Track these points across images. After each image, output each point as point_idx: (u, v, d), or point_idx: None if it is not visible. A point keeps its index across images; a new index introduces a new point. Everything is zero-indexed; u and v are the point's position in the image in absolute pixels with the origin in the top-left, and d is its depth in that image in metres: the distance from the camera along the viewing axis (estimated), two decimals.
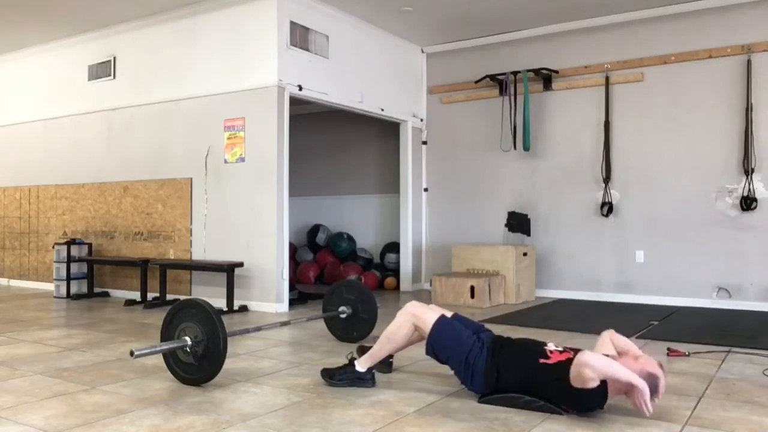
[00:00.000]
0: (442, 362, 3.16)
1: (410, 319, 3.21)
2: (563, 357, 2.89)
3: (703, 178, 6.51)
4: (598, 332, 4.99)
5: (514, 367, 2.95)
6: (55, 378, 3.51)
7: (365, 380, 3.27)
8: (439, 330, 3.11)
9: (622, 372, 2.70)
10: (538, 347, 3.00)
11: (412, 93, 8.09)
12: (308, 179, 9.37)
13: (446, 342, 3.09)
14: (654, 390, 2.70)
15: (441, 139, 8.11)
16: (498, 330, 3.43)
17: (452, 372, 3.16)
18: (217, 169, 6.52)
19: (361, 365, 3.29)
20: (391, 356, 3.50)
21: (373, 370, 3.32)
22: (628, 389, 2.73)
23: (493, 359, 2.99)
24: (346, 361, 3.37)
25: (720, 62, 6.45)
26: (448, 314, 3.22)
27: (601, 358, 2.76)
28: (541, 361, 2.89)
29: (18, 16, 6.99)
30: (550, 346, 2.98)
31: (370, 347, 3.48)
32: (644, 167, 6.81)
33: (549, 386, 2.85)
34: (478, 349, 3.03)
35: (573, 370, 2.76)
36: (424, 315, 3.18)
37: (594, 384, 2.70)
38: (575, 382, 2.74)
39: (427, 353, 3.16)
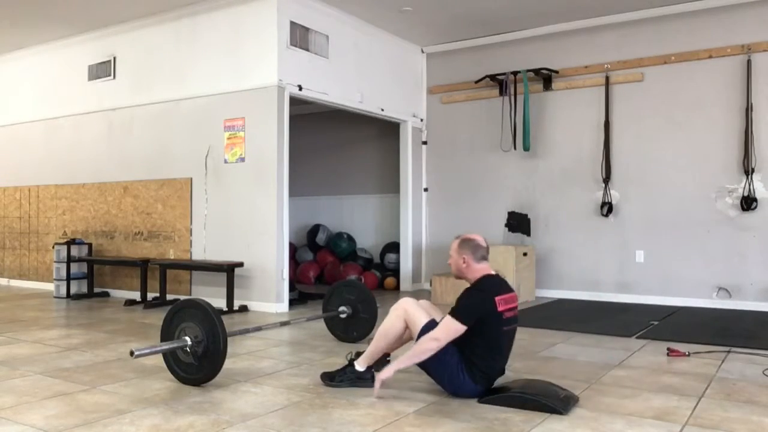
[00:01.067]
0: (423, 370, 3.16)
1: (402, 315, 3.22)
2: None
3: (703, 178, 6.51)
4: (598, 332, 5.01)
5: (482, 351, 3.04)
6: (55, 378, 3.51)
7: (365, 379, 3.27)
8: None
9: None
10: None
11: (412, 93, 8.09)
12: (308, 179, 9.36)
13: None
14: (476, 246, 3.16)
15: (441, 139, 8.11)
16: None
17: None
18: (217, 169, 6.52)
19: (360, 364, 3.30)
20: (388, 356, 3.50)
21: (373, 370, 3.32)
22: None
23: (466, 360, 3.03)
24: (346, 362, 3.37)
25: (720, 62, 6.45)
26: (439, 317, 3.22)
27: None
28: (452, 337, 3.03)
29: (18, 16, 6.99)
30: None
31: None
32: (644, 167, 6.81)
33: (473, 337, 3.02)
34: (456, 357, 3.04)
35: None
36: (414, 315, 3.18)
37: (439, 330, 3.00)
38: (449, 333, 2.99)
39: None
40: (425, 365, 3.10)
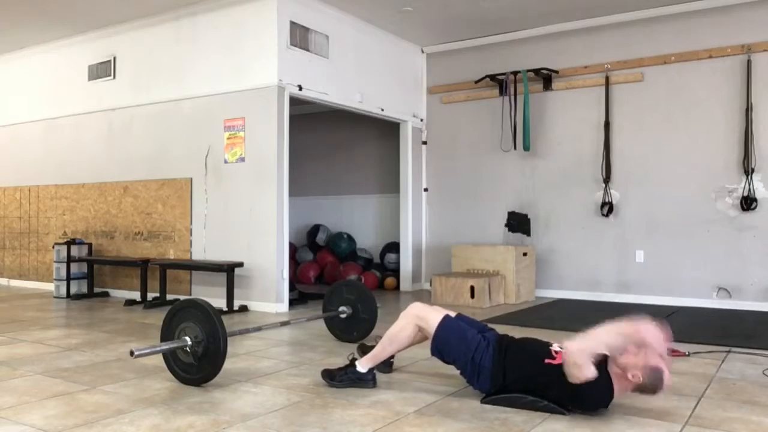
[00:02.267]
0: (447, 362, 3.15)
1: (413, 320, 3.20)
2: None
3: (703, 178, 6.51)
4: None
5: (519, 366, 2.95)
6: (55, 378, 3.51)
7: (366, 381, 3.27)
8: (445, 330, 3.09)
9: (608, 338, 2.70)
10: (544, 347, 2.99)
11: (412, 93, 8.09)
12: (308, 179, 9.37)
13: (452, 342, 3.08)
14: (655, 385, 2.68)
15: (441, 139, 8.11)
16: (499, 330, 3.42)
17: (458, 372, 3.15)
18: (217, 169, 6.52)
19: (362, 366, 3.28)
20: (391, 356, 3.50)
21: (374, 371, 3.32)
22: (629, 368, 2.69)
23: (499, 358, 2.99)
24: (347, 362, 3.37)
25: (720, 62, 6.45)
26: (452, 314, 3.22)
27: (582, 340, 2.76)
28: (546, 361, 2.88)
29: (18, 16, 6.99)
30: (555, 347, 2.96)
31: (371, 346, 3.48)
32: (644, 167, 6.81)
33: (553, 386, 2.84)
34: (483, 347, 3.02)
35: (566, 366, 2.75)
36: (428, 316, 3.17)
37: (589, 370, 2.67)
38: (572, 377, 2.73)
39: (433, 354, 3.15)
40: (453, 344, 3.03)
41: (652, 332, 2.72)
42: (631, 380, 2.71)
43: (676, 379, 3.49)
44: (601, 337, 2.74)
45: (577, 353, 2.70)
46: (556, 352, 2.91)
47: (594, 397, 2.79)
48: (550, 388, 2.86)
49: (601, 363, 2.76)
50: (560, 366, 2.82)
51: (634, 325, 2.74)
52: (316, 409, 2.93)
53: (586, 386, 2.72)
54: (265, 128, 6.17)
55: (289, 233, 6.38)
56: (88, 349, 4.32)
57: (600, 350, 2.72)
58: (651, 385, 2.69)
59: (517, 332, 3.31)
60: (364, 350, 3.60)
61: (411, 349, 3.40)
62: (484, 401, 3.00)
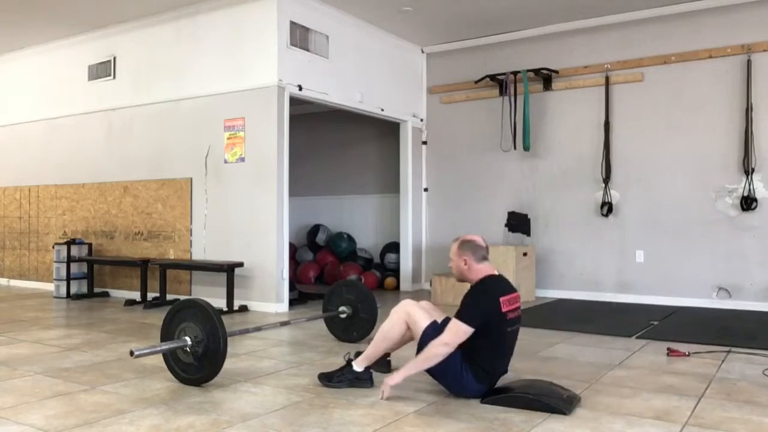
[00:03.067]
0: (428, 373, 3.15)
1: (404, 317, 3.22)
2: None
3: (703, 178, 6.51)
4: (598, 332, 5.01)
5: (486, 352, 3.03)
6: (55, 378, 3.51)
7: (363, 380, 3.27)
8: (428, 339, 3.09)
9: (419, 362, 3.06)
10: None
11: (412, 93, 8.09)
12: (308, 179, 9.36)
13: None
14: (476, 246, 3.13)
15: (441, 139, 8.11)
16: None
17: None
18: (217, 169, 6.52)
19: (358, 365, 3.29)
20: (388, 356, 3.50)
21: (371, 370, 3.32)
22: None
23: (470, 361, 3.03)
24: (344, 363, 3.37)
25: (720, 62, 6.45)
26: (440, 318, 3.21)
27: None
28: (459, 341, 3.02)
29: (18, 16, 6.99)
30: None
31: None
32: (644, 167, 6.81)
33: (478, 340, 3.02)
34: (459, 358, 3.04)
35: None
36: (416, 317, 3.18)
37: (447, 335, 3.00)
38: (457, 336, 2.99)
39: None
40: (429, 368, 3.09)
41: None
42: (467, 265, 3.13)
43: (676, 379, 3.50)
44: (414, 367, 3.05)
45: (440, 352, 2.99)
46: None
47: (475, 304, 3.05)
48: (480, 338, 3.01)
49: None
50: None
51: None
52: (316, 409, 2.93)
53: (466, 316, 3.00)
54: (265, 128, 6.17)
55: (289, 233, 6.38)
56: (88, 349, 4.32)
57: (421, 363, 3.03)
58: (474, 248, 3.14)
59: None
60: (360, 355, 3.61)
61: (409, 349, 3.40)
62: (484, 401, 3.00)
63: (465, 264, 3.14)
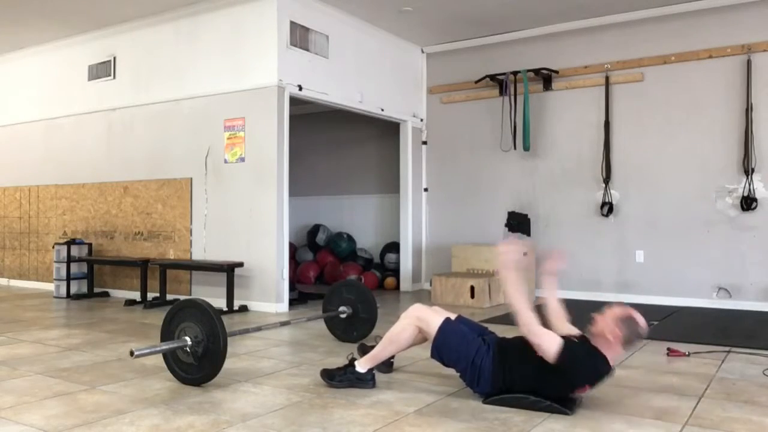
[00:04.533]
0: (447, 365, 3.15)
1: (414, 322, 3.20)
2: None
3: (703, 178, 6.51)
4: None
5: (519, 366, 2.95)
6: (55, 378, 3.51)
7: (365, 381, 3.27)
8: (445, 333, 3.10)
9: (521, 305, 2.91)
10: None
11: (412, 93, 8.09)
12: (308, 179, 9.36)
13: (452, 345, 3.08)
14: (635, 329, 2.87)
15: (441, 139, 8.11)
16: (499, 330, 3.43)
17: (458, 375, 3.15)
18: (217, 169, 6.52)
19: (361, 366, 3.28)
20: (391, 356, 3.50)
21: (374, 371, 3.32)
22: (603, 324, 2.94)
23: (499, 360, 2.99)
24: (347, 362, 3.37)
25: (720, 62, 6.45)
26: (452, 317, 3.21)
27: (521, 325, 2.92)
28: (539, 354, 2.89)
29: (18, 16, 6.99)
30: None
31: (371, 346, 3.48)
32: (644, 167, 6.81)
33: (548, 376, 2.85)
34: (484, 351, 3.02)
35: (535, 348, 2.87)
36: (429, 318, 3.17)
37: (548, 337, 2.85)
38: (546, 355, 2.82)
39: (433, 356, 3.15)
40: (455, 353, 3.04)
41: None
42: (613, 338, 2.85)
43: (676, 379, 3.50)
44: (520, 306, 2.92)
45: (527, 332, 2.87)
46: None
47: (585, 367, 2.84)
48: (547, 380, 2.86)
49: (581, 339, 2.96)
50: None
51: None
52: (316, 409, 2.93)
53: (569, 361, 2.79)
54: (265, 128, 6.17)
55: (289, 233, 6.38)
56: (88, 349, 4.32)
57: (526, 314, 2.90)
58: (631, 332, 2.86)
59: (517, 333, 3.30)
60: (364, 350, 3.60)
61: (411, 349, 3.40)
62: (486, 401, 3.00)
63: (613, 338, 2.87)
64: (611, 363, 2.88)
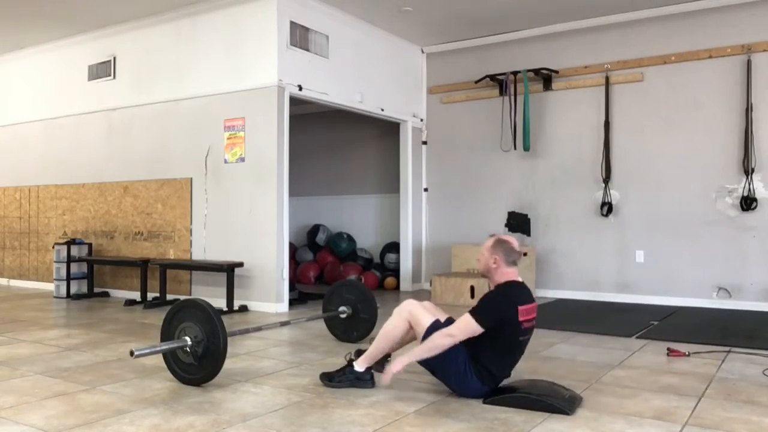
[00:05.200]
0: (428, 369, 3.17)
1: (406, 316, 3.22)
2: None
3: (703, 178, 6.51)
4: (598, 332, 5.01)
5: (484, 359, 3.03)
6: (55, 378, 3.51)
7: (364, 380, 3.27)
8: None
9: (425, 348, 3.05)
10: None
11: (412, 93, 8.09)
12: (308, 179, 9.36)
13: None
14: (509, 249, 3.11)
15: (441, 139, 8.11)
16: None
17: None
18: (217, 169, 6.52)
19: (359, 365, 3.29)
20: (389, 356, 3.50)
21: (373, 370, 3.32)
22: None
23: (475, 361, 3.03)
24: (345, 363, 3.37)
25: (720, 62, 6.45)
26: (443, 318, 3.22)
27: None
28: (473, 339, 3.02)
29: (18, 16, 6.99)
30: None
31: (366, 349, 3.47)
32: (644, 167, 6.81)
33: (494, 340, 3.03)
34: (467, 357, 3.04)
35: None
36: (419, 316, 3.18)
37: (455, 328, 3.01)
38: (470, 334, 2.99)
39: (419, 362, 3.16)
40: (432, 364, 3.09)
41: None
42: (496, 264, 3.11)
43: (676, 379, 3.50)
44: (418, 352, 3.05)
45: (447, 343, 2.98)
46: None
47: (494, 299, 3.08)
48: (496, 342, 3.03)
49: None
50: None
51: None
52: (316, 409, 2.93)
53: (484, 311, 3.00)
54: (265, 128, 6.17)
55: (289, 233, 6.38)
56: (88, 349, 4.32)
57: (425, 347, 3.04)
58: (506, 250, 3.11)
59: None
60: (360, 354, 3.60)
61: (412, 347, 3.39)
62: (486, 401, 3.00)
63: (494, 263, 3.12)
64: (510, 292, 3.07)
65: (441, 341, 2.97)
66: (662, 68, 6.73)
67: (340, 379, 3.28)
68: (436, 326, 3.10)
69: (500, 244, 3.14)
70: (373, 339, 3.39)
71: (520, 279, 3.16)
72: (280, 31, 6.14)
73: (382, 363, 3.43)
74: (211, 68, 6.57)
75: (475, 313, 2.99)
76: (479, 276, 6.65)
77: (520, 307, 3.01)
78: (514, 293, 3.07)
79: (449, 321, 3.20)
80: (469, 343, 3.00)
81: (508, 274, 3.12)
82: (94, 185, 7.56)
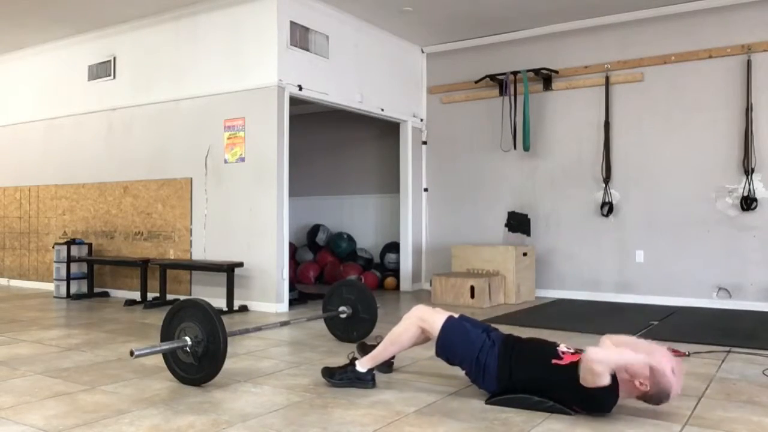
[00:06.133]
0: (452, 364, 3.15)
1: (416, 322, 3.20)
2: (575, 358, 2.84)
3: (703, 178, 6.51)
4: (598, 332, 5.00)
5: (526, 366, 2.94)
6: (55, 378, 3.51)
7: (365, 381, 3.26)
8: (449, 331, 3.09)
9: (630, 356, 2.66)
10: (551, 347, 2.99)
11: (412, 93, 8.09)
12: (308, 179, 9.37)
13: (456, 342, 3.08)
14: (660, 397, 2.69)
15: (441, 139, 8.11)
16: (500, 331, 3.42)
17: (462, 373, 3.15)
18: (217, 169, 6.52)
19: (362, 366, 3.28)
20: (392, 356, 3.50)
21: (374, 371, 3.32)
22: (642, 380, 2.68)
23: (504, 357, 2.98)
24: (347, 361, 3.37)
25: (720, 62, 6.45)
26: (456, 315, 3.21)
27: (607, 350, 2.76)
28: (554, 361, 2.87)
29: (18, 16, 6.99)
30: (562, 347, 2.96)
31: (372, 345, 3.48)
32: (644, 167, 6.81)
33: (561, 387, 2.82)
34: (488, 347, 3.01)
35: (582, 370, 2.72)
36: (432, 317, 3.16)
37: (605, 379, 2.64)
38: (586, 382, 2.70)
39: (438, 355, 3.15)
40: (457, 344, 3.04)
41: (667, 355, 2.73)
42: (639, 388, 2.70)
43: None
44: (626, 355, 2.69)
45: (597, 362, 2.64)
46: (563, 353, 2.91)
47: (601, 400, 2.77)
48: (555, 388, 2.85)
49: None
50: (567, 367, 2.81)
51: (653, 347, 2.77)
52: (316, 409, 2.93)
53: (595, 390, 2.69)
54: (265, 128, 6.17)
55: (289, 233, 6.38)
56: (88, 349, 4.32)
57: (621, 364, 2.67)
58: (656, 395, 2.70)
59: (517, 332, 3.31)
60: (364, 349, 3.60)
61: (412, 349, 3.40)
62: (488, 402, 2.99)
63: (640, 386, 2.71)
64: (619, 400, 2.79)
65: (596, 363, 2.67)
66: (662, 68, 6.73)
67: (341, 377, 3.28)
68: (451, 322, 3.09)
69: (661, 389, 2.69)
70: (380, 338, 3.38)
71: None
72: (280, 31, 6.14)
73: (384, 363, 3.44)
74: (211, 68, 6.57)
75: (611, 388, 2.69)
76: (479, 276, 6.65)
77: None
78: (604, 405, 2.81)
79: (463, 317, 3.20)
80: (528, 356, 2.96)
81: (628, 393, 2.77)
82: (94, 185, 7.56)
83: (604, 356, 2.68)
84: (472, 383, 3.12)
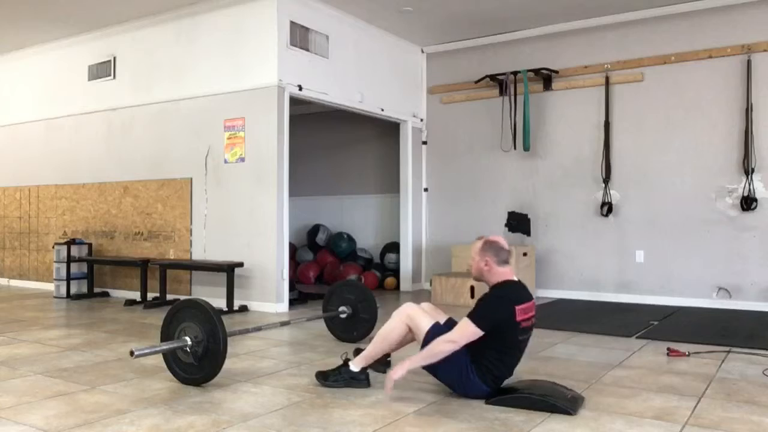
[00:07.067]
0: (430, 372, 3.16)
1: (405, 320, 3.21)
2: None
3: (703, 178, 6.51)
4: (598, 332, 5.01)
5: (487, 358, 3.01)
6: (55, 378, 3.51)
7: (360, 380, 3.27)
8: (431, 339, 3.08)
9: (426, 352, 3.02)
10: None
11: (412, 93, 8.09)
12: (308, 179, 9.37)
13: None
14: (499, 249, 3.12)
15: (441, 139, 8.11)
16: None
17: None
18: (217, 169, 6.52)
19: (355, 365, 3.29)
20: (388, 356, 3.50)
21: (368, 370, 3.32)
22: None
23: (477, 362, 3.02)
24: (341, 362, 3.37)
25: (720, 62, 6.45)
26: (443, 320, 3.21)
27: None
28: (474, 343, 3.01)
29: (18, 16, 6.99)
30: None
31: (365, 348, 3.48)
32: (644, 167, 6.81)
33: (496, 341, 3.01)
34: (466, 359, 3.03)
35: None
36: (418, 319, 3.17)
37: (457, 333, 2.98)
38: (469, 338, 2.96)
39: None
40: (434, 367, 3.07)
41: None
42: (488, 266, 3.10)
43: (676, 379, 3.50)
44: (420, 357, 3.03)
45: (448, 349, 2.96)
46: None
47: (493, 302, 3.05)
48: (499, 341, 3.02)
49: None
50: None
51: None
52: (316, 409, 2.93)
53: (482, 315, 2.98)
54: (265, 128, 6.17)
55: (289, 233, 6.38)
56: (88, 349, 4.32)
57: (426, 353, 3.01)
58: (496, 250, 3.11)
59: None
60: (359, 353, 3.60)
61: (408, 349, 3.40)
62: (488, 402, 3.00)
63: (486, 265, 3.11)
64: (506, 293, 3.06)
65: (442, 347, 2.95)
66: (662, 68, 6.73)
67: (336, 378, 3.28)
68: (435, 330, 3.09)
69: (489, 245, 3.15)
70: (372, 339, 3.39)
71: (515, 278, 3.15)
72: (280, 31, 6.14)
73: (381, 362, 3.44)
74: (211, 68, 6.57)
75: (473, 317, 2.97)
76: None
77: (518, 307, 3.00)
78: (510, 293, 3.06)
79: (449, 322, 3.20)
80: (469, 345, 2.99)
81: (502, 273, 3.11)
82: (94, 185, 7.56)
83: (434, 353, 2.99)
84: (457, 393, 3.12)
